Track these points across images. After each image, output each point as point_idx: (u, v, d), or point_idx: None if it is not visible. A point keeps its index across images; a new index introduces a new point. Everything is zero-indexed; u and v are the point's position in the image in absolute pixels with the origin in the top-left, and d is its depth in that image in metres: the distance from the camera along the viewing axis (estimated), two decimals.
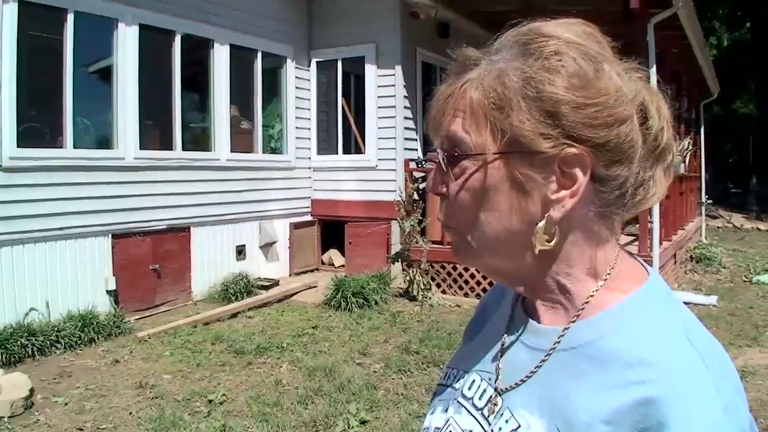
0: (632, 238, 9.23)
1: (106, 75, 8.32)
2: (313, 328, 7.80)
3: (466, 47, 0.94)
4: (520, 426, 0.91)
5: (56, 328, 6.90)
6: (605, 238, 0.93)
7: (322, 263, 11.54)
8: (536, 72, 0.85)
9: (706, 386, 0.80)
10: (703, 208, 17.31)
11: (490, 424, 0.96)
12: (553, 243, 0.89)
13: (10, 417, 5.08)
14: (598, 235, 0.93)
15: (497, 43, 0.92)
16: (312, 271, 11.27)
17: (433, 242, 9.52)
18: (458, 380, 1.08)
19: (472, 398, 1.02)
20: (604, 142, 0.85)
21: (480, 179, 0.89)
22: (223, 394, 5.62)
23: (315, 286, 9.90)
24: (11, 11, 6.89)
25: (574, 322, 0.92)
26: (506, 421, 0.93)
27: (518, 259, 0.93)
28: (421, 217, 9.50)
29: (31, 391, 5.46)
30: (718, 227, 19.26)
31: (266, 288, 9.72)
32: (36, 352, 6.55)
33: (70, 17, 7.55)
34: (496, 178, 0.88)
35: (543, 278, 0.94)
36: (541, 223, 0.88)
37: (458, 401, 1.04)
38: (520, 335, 1.00)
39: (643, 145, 0.89)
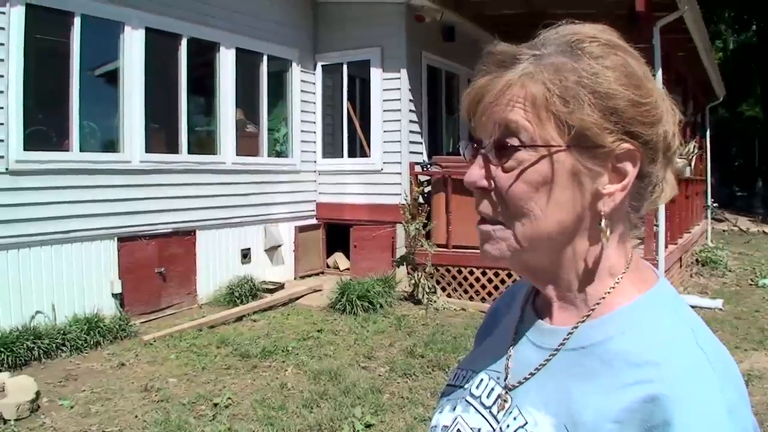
0: (638, 241, 9.21)
1: (112, 78, 8.34)
2: (318, 331, 7.80)
3: (500, 42, 0.94)
4: (527, 423, 0.92)
5: (62, 331, 6.91)
6: (631, 230, 0.97)
7: (327, 266, 11.54)
8: (600, 70, 0.87)
9: (712, 387, 0.81)
10: (709, 212, 17.29)
11: (498, 422, 0.97)
12: (609, 234, 0.91)
13: (16, 420, 5.08)
14: (627, 229, 0.96)
15: (540, 41, 0.93)
16: (317, 274, 11.27)
17: (438, 246, 9.52)
18: (466, 380, 1.09)
19: (479, 396, 1.03)
20: (649, 140, 0.89)
21: (541, 171, 0.89)
22: (229, 398, 5.63)
23: (320, 290, 9.90)
24: (18, 15, 6.91)
25: (583, 321, 0.93)
26: (514, 418, 0.94)
27: (558, 254, 0.94)
28: (426, 221, 9.49)
29: (37, 394, 5.47)
30: (723, 230, 19.23)
31: (271, 291, 9.73)
32: (42, 355, 6.56)
33: (77, 21, 7.57)
34: (558, 171, 0.89)
35: (568, 275, 0.95)
36: (603, 222, 0.90)
37: (466, 400, 1.05)
38: (529, 335, 1.01)
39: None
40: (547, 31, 0.94)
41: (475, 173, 0.94)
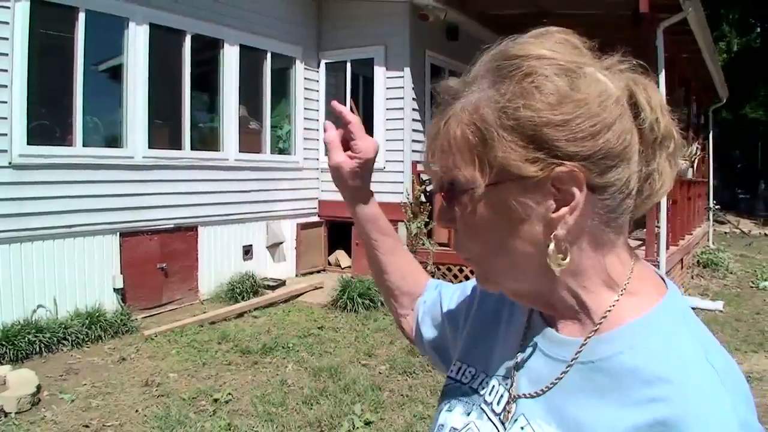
0: (639, 242, 9.21)
1: (116, 74, 8.36)
2: (318, 328, 7.81)
3: (447, 79, 0.94)
4: None
5: (63, 325, 6.92)
6: (614, 242, 0.93)
7: (329, 264, 11.55)
8: (510, 100, 0.85)
9: (724, 405, 0.80)
10: (711, 214, 17.27)
11: (506, 430, 0.96)
12: (567, 260, 0.89)
13: (17, 413, 5.10)
14: (608, 242, 0.92)
15: (473, 71, 0.92)
16: (318, 271, 11.28)
17: (440, 244, 9.52)
18: (480, 384, 1.08)
19: (491, 403, 1.02)
20: (592, 153, 0.85)
21: (479, 212, 0.90)
22: (229, 394, 5.64)
23: (321, 287, 9.91)
24: (23, 9, 6.92)
25: (593, 335, 0.91)
26: (521, 428, 0.93)
27: (535, 280, 0.93)
28: (427, 219, 9.49)
29: (38, 387, 5.48)
30: (725, 233, 19.23)
31: (272, 288, 9.74)
32: (43, 349, 6.57)
33: (82, 16, 7.59)
34: (493, 209, 0.89)
35: (561, 294, 0.94)
36: (552, 246, 0.87)
37: (481, 407, 1.04)
38: (538, 343, 0.99)
39: (639, 140, 0.88)
40: (483, 55, 0.93)
41: (440, 213, 0.97)
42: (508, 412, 0.97)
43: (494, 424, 0.99)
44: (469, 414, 1.05)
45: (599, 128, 0.84)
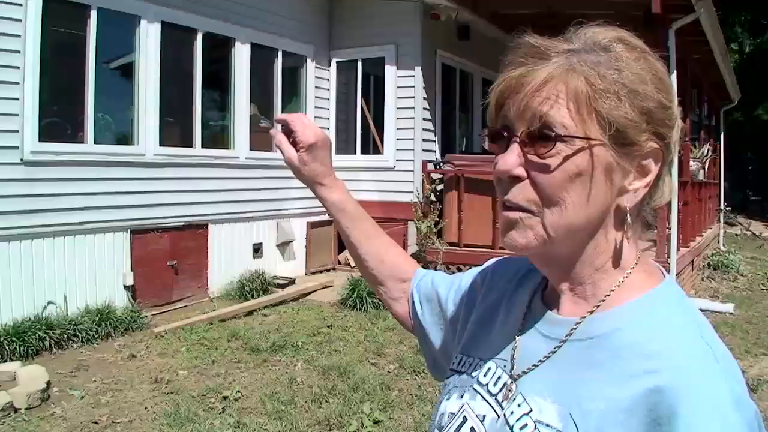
0: (650, 243, 9.18)
1: (127, 71, 8.38)
2: (328, 327, 7.81)
3: (532, 34, 0.95)
4: (531, 410, 0.94)
5: (74, 322, 6.95)
6: (638, 230, 1.00)
7: (339, 263, 11.55)
8: (638, 70, 0.90)
9: (718, 380, 0.82)
10: (722, 215, 17.18)
11: (503, 409, 0.99)
12: (630, 234, 0.96)
13: (26, 409, 5.12)
14: (643, 227, 1.00)
15: (574, 39, 0.94)
16: (328, 270, 11.28)
17: (450, 244, 9.51)
18: (474, 368, 1.11)
19: (486, 385, 1.05)
20: (669, 143, 0.94)
21: (579, 164, 0.90)
22: (238, 391, 5.65)
23: (331, 286, 9.92)
24: (35, 7, 6.94)
25: (591, 313, 0.95)
26: (518, 405, 0.96)
27: (578, 247, 0.96)
28: (437, 219, 9.48)
29: (48, 383, 5.51)
30: (736, 234, 19.10)
31: (282, 286, 9.75)
32: (53, 346, 6.60)
33: (94, 13, 7.61)
34: (595, 164, 0.90)
35: (583, 268, 0.97)
36: (628, 216, 0.94)
37: (473, 388, 1.07)
38: (537, 325, 1.03)
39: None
40: (577, 30, 0.96)
41: (511, 161, 0.93)
42: (509, 391, 1.00)
43: (490, 405, 1.02)
44: (462, 396, 1.08)
45: (675, 123, 0.94)
